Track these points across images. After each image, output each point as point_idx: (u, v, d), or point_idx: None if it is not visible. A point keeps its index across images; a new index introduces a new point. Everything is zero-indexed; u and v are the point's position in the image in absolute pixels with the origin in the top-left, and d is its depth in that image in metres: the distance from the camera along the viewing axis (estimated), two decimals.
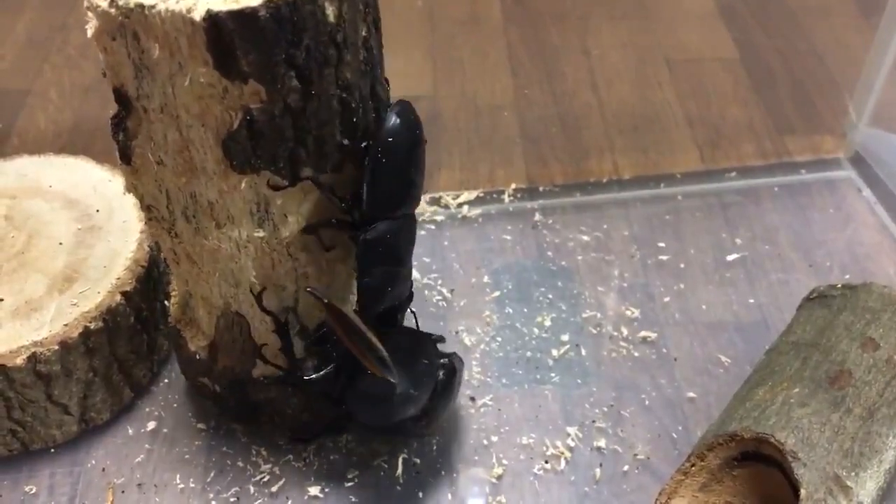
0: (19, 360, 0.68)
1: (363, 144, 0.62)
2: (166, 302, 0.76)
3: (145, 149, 0.60)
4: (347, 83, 0.58)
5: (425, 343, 0.71)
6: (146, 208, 0.65)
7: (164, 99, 0.56)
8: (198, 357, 0.72)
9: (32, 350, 0.69)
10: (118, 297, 0.73)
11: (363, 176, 0.61)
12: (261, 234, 0.62)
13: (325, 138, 0.59)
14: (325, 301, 0.61)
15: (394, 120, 0.61)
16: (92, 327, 0.71)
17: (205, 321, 0.71)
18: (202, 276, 0.67)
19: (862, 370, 0.66)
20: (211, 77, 0.54)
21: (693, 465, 0.65)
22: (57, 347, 0.69)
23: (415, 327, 0.75)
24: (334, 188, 0.62)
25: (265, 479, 0.73)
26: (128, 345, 0.75)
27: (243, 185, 0.58)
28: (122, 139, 0.61)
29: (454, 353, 0.72)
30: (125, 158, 0.62)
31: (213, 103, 0.55)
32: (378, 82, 0.62)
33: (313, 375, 0.67)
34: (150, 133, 0.59)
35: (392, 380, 0.63)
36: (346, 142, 0.60)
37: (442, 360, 0.70)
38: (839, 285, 0.74)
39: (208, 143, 0.57)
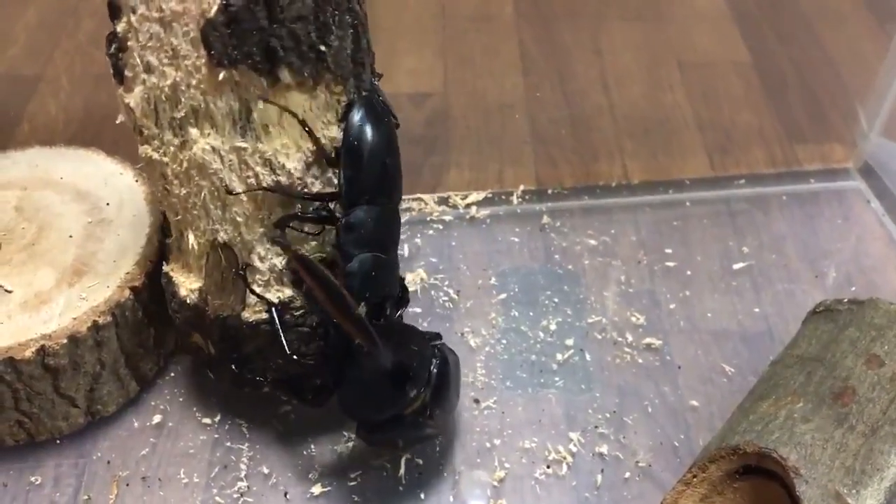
0: (28, 353, 0.69)
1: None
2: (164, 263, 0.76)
3: (135, 57, 0.64)
4: None
5: (413, 333, 0.71)
6: (139, 132, 0.68)
7: None
8: (188, 302, 0.72)
9: (41, 343, 0.69)
10: (127, 293, 0.73)
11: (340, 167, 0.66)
12: (243, 144, 0.65)
13: (300, 35, 0.62)
14: (290, 247, 0.62)
15: (358, 109, 0.66)
16: (100, 322, 0.72)
17: (195, 259, 0.71)
18: (191, 199, 0.68)
19: (866, 387, 0.66)
20: None
21: (695, 476, 0.66)
22: (65, 341, 0.70)
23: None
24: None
25: (268, 477, 0.74)
26: (135, 339, 0.76)
27: (221, 77, 0.62)
28: (115, 51, 0.65)
29: (443, 344, 0.72)
30: (118, 75, 0.66)
31: None
32: None
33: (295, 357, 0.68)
34: (138, 36, 0.63)
35: (371, 343, 0.63)
36: (322, 48, 0.63)
37: (433, 347, 0.70)
38: (845, 300, 0.74)
39: (189, 36, 0.61)
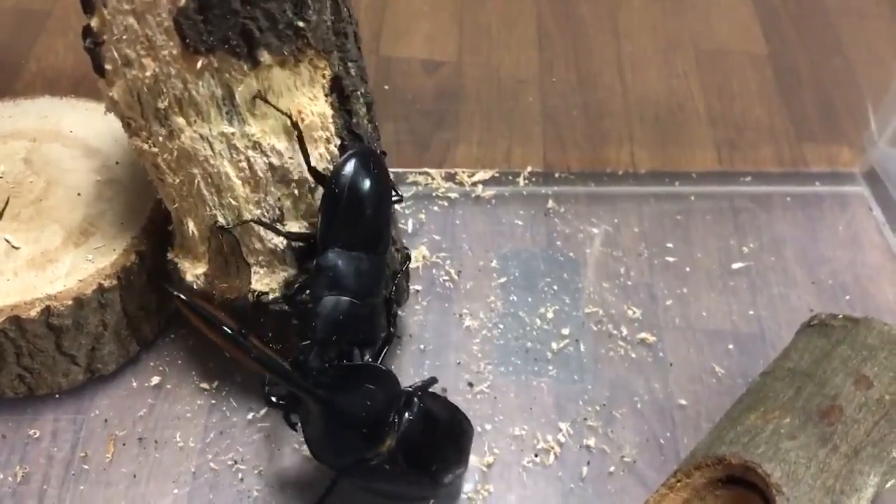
0: (33, 313, 0.69)
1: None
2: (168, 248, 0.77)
3: (112, 51, 0.62)
4: None
5: (384, 379, 0.66)
6: (126, 124, 0.67)
7: None
8: (195, 287, 0.73)
9: (46, 303, 0.70)
10: (133, 257, 0.74)
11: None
12: (230, 129, 0.64)
13: (275, 15, 0.61)
14: (176, 294, 0.59)
15: (349, 158, 0.66)
16: (106, 285, 0.72)
17: (198, 245, 0.72)
18: (185, 187, 0.68)
19: (853, 408, 0.68)
20: None
21: (679, 482, 0.68)
22: (70, 302, 0.71)
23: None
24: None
25: (263, 447, 0.75)
26: (138, 302, 0.76)
27: (199, 64, 0.61)
28: (91, 45, 0.63)
29: (438, 398, 0.70)
30: (98, 69, 0.65)
31: None
32: None
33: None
34: (113, 29, 0.61)
35: (284, 379, 0.61)
36: (300, 24, 0.62)
37: (408, 396, 0.67)
38: (840, 316, 0.76)
39: (163, 25, 0.60)
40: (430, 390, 0.71)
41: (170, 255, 0.74)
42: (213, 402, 0.78)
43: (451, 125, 1.06)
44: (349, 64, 0.67)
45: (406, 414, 0.66)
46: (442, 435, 0.70)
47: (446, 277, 0.89)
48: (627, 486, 0.75)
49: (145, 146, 0.67)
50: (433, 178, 0.98)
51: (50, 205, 0.77)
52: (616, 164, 1.03)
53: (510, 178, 1.00)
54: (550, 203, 0.97)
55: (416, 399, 0.67)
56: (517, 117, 1.08)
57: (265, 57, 0.62)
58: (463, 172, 0.99)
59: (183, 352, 0.81)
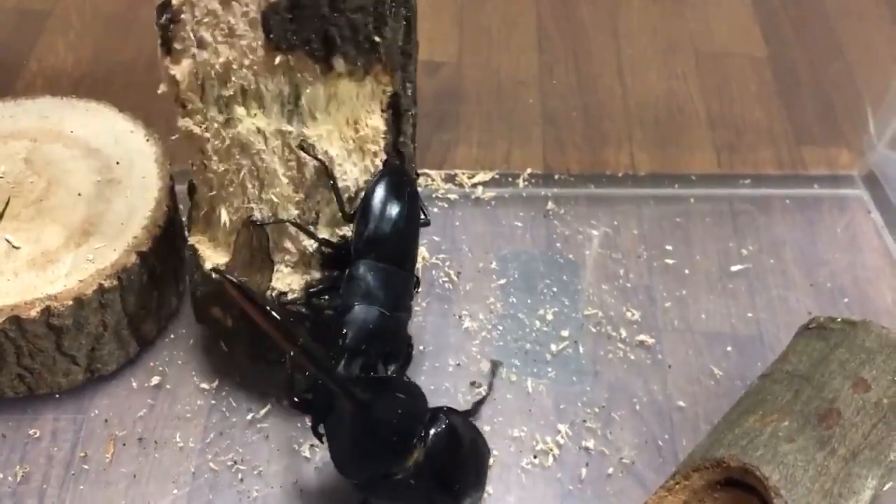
0: (33, 313, 0.70)
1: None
2: (186, 233, 0.77)
3: (187, 31, 0.63)
4: None
5: (410, 392, 0.67)
6: (181, 105, 0.68)
7: None
8: (213, 276, 0.73)
9: (47, 303, 0.70)
10: (134, 257, 0.74)
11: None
12: (289, 128, 0.65)
13: (358, 26, 0.62)
14: (227, 277, 0.58)
15: (383, 176, 0.69)
16: (106, 285, 0.72)
17: (225, 234, 0.72)
18: (229, 175, 0.68)
19: (851, 411, 0.68)
20: None
21: (677, 483, 0.68)
22: (71, 303, 0.71)
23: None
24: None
25: (263, 447, 0.75)
26: (139, 302, 0.76)
27: (277, 60, 0.61)
28: (166, 22, 0.63)
29: (450, 409, 0.69)
30: (166, 46, 0.65)
31: None
32: None
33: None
34: (195, 11, 0.62)
35: (325, 374, 0.60)
36: (376, 38, 0.63)
37: (434, 411, 0.67)
38: (839, 319, 0.76)
39: (248, 16, 0.61)
40: (452, 407, 0.71)
41: (191, 240, 0.74)
42: (213, 402, 0.78)
43: (450, 126, 1.06)
44: (407, 84, 0.69)
45: (433, 429, 0.66)
46: (465, 453, 0.70)
47: (446, 279, 0.90)
48: (626, 488, 0.75)
49: (197, 129, 0.67)
50: (433, 180, 0.99)
51: (50, 205, 0.77)
52: (615, 166, 1.03)
53: (510, 179, 1.00)
54: (550, 205, 0.97)
55: (442, 415, 0.67)
56: (517, 119, 1.08)
57: (340, 64, 0.63)
58: (463, 174, 0.99)
59: (183, 352, 0.82)
